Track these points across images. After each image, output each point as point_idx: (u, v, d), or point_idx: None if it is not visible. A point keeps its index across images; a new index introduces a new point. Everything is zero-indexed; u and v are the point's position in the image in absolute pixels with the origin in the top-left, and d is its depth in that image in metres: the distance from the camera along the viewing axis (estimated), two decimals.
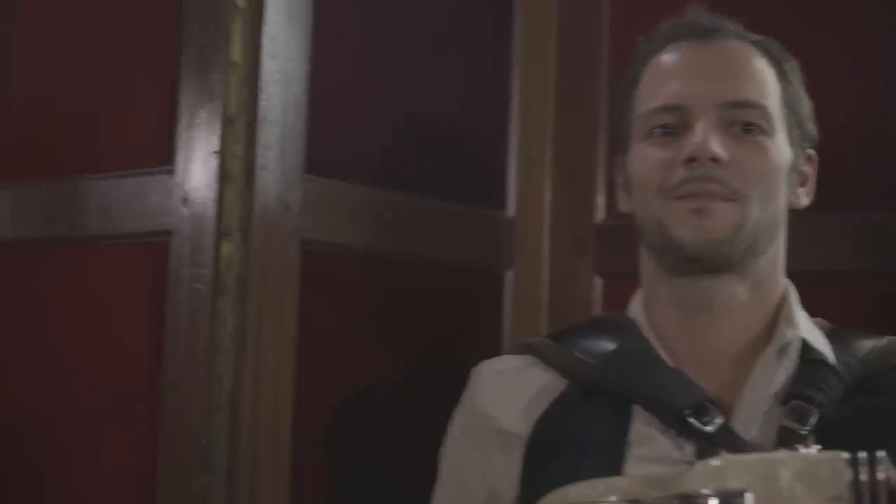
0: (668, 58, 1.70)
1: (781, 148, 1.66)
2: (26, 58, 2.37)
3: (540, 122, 2.41)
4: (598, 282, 2.35)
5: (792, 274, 1.73)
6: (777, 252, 1.70)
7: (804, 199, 1.73)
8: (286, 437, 2.02)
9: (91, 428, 2.15)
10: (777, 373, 1.64)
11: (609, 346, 1.72)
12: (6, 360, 2.31)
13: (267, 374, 2.00)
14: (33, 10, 2.38)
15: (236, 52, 2.00)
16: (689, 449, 1.59)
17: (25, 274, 2.31)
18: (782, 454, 1.42)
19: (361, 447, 2.15)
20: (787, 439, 1.55)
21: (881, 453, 1.32)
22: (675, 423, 1.59)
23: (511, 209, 2.40)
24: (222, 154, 1.99)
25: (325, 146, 2.10)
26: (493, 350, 2.26)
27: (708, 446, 1.56)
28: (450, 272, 2.31)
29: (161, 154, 2.07)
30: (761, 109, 1.64)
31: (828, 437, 1.52)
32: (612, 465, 1.60)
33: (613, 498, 1.39)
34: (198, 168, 2.02)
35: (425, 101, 2.29)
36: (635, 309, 1.75)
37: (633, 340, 1.71)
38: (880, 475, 1.31)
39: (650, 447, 1.61)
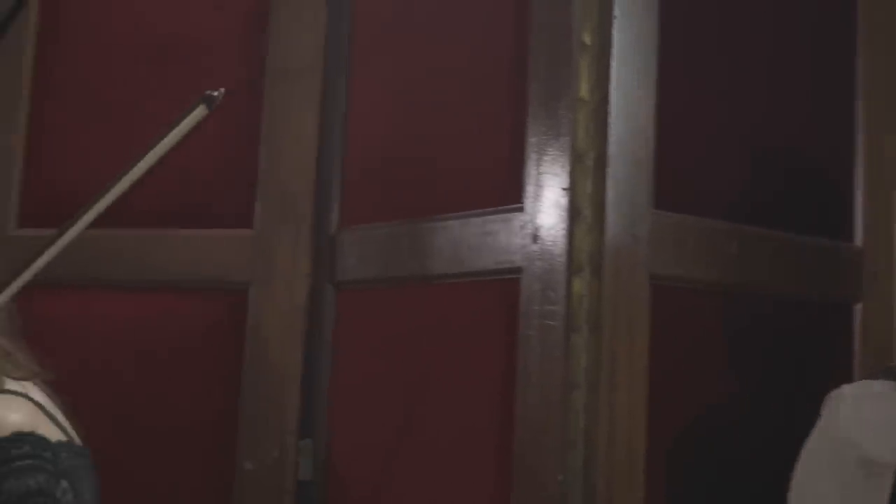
0: None
1: None
2: (367, 102, 2.44)
3: (889, 151, 2.33)
4: None
5: None
6: None
7: None
8: (640, 471, 2.01)
9: (443, 462, 2.18)
10: None
11: None
12: (351, 396, 2.37)
13: (621, 408, 1.99)
14: (369, 56, 2.45)
15: (584, 88, 2.01)
16: None
17: (371, 313, 2.37)
18: None
19: (713, 478, 2.11)
20: None
21: None
22: None
23: (859, 240, 2.33)
24: (572, 190, 2.00)
25: (672, 180, 2.08)
26: (843, 382, 2.20)
27: None
28: (797, 304, 2.26)
29: (510, 192, 2.10)
30: None
31: None
32: None
33: None
34: (547, 205, 2.03)
35: (770, 131, 2.25)
36: None
37: None
38: None
39: None
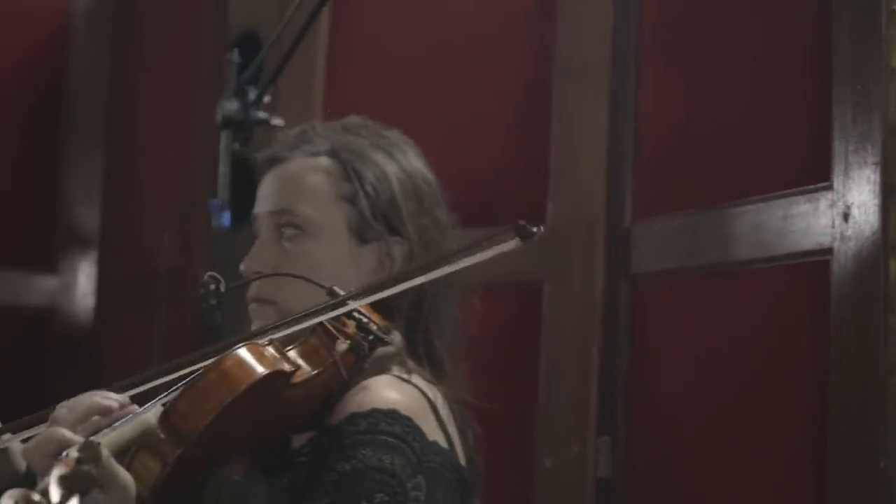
0: None
1: None
2: (656, 94, 2.41)
3: None
4: None
5: None
6: None
7: None
8: None
9: (752, 453, 2.12)
10: None
11: None
12: (651, 391, 2.33)
13: None
14: (657, 47, 2.41)
15: (895, 57, 1.92)
16: None
17: (669, 305, 2.33)
18: None
19: None
20: None
21: None
22: None
23: None
24: (884, 165, 1.92)
25: None
26: None
27: None
28: None
29: (815, 170, 2.03)
30: None
31: None
32: None
33: None
34: (858, 182, 1.95)
35: None
36: None
37: None
38: None
39: None
